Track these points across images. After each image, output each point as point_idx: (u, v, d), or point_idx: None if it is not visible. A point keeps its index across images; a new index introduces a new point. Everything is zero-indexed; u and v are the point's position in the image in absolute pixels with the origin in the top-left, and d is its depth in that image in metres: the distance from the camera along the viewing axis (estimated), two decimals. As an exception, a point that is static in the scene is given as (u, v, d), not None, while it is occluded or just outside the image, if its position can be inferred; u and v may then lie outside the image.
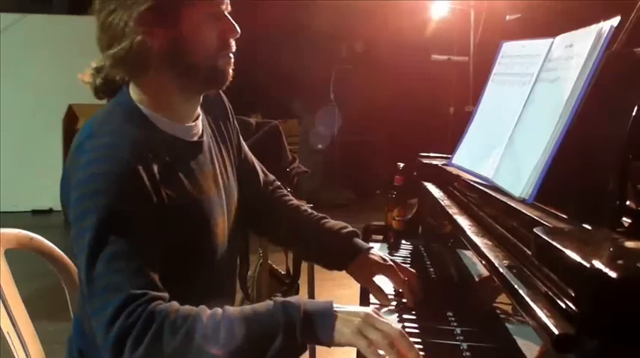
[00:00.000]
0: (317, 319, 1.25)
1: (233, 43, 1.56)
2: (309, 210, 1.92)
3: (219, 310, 1.26)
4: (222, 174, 1.69)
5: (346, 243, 1.82)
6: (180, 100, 1.56)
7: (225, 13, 1.54)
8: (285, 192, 1.99)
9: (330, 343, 1.25)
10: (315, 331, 1.25)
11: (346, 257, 1.81)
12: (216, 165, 1.67)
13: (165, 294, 1.29)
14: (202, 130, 1.64)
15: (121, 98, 1.54)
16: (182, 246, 1.45)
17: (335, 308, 1.27)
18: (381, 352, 1.22)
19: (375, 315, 1.27)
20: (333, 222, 1.88)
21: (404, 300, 1.72)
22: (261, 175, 1.95)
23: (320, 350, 2.96)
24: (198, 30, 1.49)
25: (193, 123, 1.61)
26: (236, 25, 1.54)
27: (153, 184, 1.41)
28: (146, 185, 1.39)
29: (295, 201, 1.96)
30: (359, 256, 1.79)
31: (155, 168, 1.43)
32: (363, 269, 1.78)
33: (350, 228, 1.86)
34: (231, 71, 1.57)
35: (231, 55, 1.56)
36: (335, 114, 8.64)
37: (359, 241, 1.84)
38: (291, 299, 1.28)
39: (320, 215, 1.90)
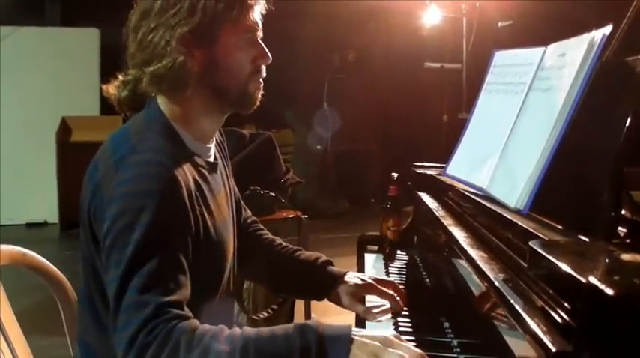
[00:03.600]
0: (333, 343, 1.23)
1: (264, 68, 1.60)
2: (283, 244, 1.94)
3: (237, 330, 1.26)
4: (229, 195, 1.73)
5: (323, 272, 1.84)
6: (207, 119, 1.60)
7: (259, 39, 1.59)
8: (260, 226, 2.01)
9: None
10: (328, 355, 1.22)
11: (326, 286, 1.82)
12: (226, 187, 1.72)
13: (189, 314, 1.29)
14: (214, 151, 1.68)
15: (152, 113, 1.55)
16: (200, 266, 1.45)
17: (353, 333, 1.25)
18: None
19: (394, 339, 1.26)
20: (307, 253, 1.90)
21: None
22: (243, 210, 1.98)
23: None
24: (233, 54, 1.54)
25: (212, 144, 1.65)
26: (268, 51, 1.59)
27: (190, 204, 1.43)
28: (186, 204, 1.41)
29: (270, 236, 1.98)
30: (337, 283, 1.81)
31: (191, 188, 1.46)
32: (344, 295, 1.79)
33: (324, 258, 1.88)
34: (259, 95, 1.62)
35: (261, 81, 1.61)
36: (329, 117, 8.64)
37: (334, 269, 1.86)
38: (310, 322, 1.26)
39: (293, 248, 1.93)
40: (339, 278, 1.81)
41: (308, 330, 1.23)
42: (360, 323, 1.73)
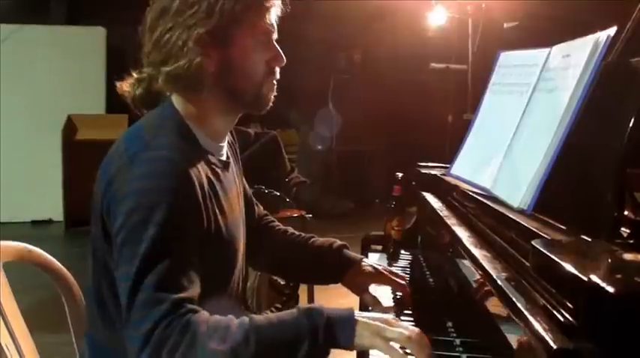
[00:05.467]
0: (339, 324, 1.29)
1: (278, 70, 1.62)
2: (297, 232, 1.98)
3: (246, 319, 1.29)
4: (240, 195, 1.75)
5: (338, 256, 1.89)
6: (221, 118, 1.61)
7: (274, 41, 1.60)
8: (272, 218, 2.05)
9: (350, 347, 1.29)
10: (336, 336, 1.28)
11: (340, 269, 1.87)
12: (237, 185, 1.73)
13: (200, 309, 1.32)
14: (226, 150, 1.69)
15: (167, 111, 1.57)
16: (211, 264, 1.47)
17: (356, 315, 1.31)
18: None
19: (393, 320, 1.33)
20: (322, 240, 1.94)
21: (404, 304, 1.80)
22: (256, 207, 2.00)
23: None
24: (248, 55, 1.56)
25: (224, 143, 1.66)
26: (282, 53, 1.60)
27: (203, 201, 1.45)
28: (199, 202, 1.43)
29: (282, 226, 2.02)
30: (353, 267, 1.86)
31: (204, 185, 1.47)
32: (357, 279, 1.86)
33: (340, 242, 1.93)
34: (272, 97, 1.63)
35: (275, 82, 1.62)
36: (334, 117, 8.64)
37: (350, 253, 1.91)
38: (315, 306, 1.32)
39: (308, 235, 1.96)
40: (354, 263, 1.87)
41: (315, 314, 1.29)
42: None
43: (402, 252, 2.31)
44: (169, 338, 1.23)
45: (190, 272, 1.34)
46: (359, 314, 1.31)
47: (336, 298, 1.92)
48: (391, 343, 1.28)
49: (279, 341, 1.26)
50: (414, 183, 2.38)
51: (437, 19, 6.28)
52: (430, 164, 2.43)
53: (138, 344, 1.25)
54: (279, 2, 1.60)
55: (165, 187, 1.37)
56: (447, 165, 2.13)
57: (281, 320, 1.29)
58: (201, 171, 1.47)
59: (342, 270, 1.87)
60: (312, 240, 1.94)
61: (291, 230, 2.00)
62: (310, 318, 1.28)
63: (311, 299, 3.89)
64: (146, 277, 1.29)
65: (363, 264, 1.86)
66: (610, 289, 0.77)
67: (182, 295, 1.29)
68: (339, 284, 1.91)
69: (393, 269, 1.94)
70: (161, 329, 1.24)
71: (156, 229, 1.32)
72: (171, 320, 1.25)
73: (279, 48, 1.60)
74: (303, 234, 1.97)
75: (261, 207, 2.05)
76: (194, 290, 1.33)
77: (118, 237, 1.36)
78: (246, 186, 1.92)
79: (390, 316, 1.35)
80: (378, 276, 1.84)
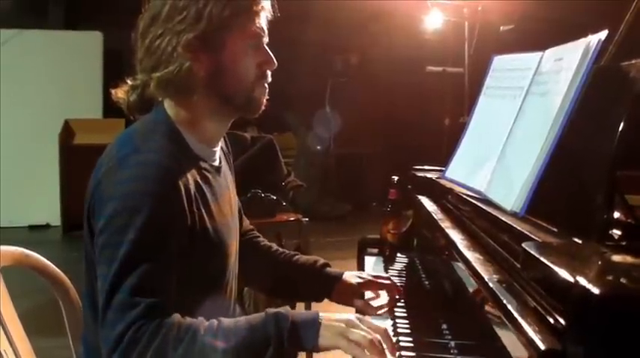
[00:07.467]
0: (303, 327, 1.33)
1: (269, 73, 1.63)
2: (280, 249, 1.99)
3: (215, 322, 1.32)
4: (234, 200, 1.77)
5: (322, 274, 1.90)
6: (213, 123, 1.62)
7: (265, 44, 1.61)
8: (257, 233, 2.05)
9: (314, 348, 1.34)
10: (301, 338, 1.33)
11: (326, 287, 1.89)
12: (230, 191, 1.74)
13: (172, 310, 1.34)
14: (219, 156, 1.70)
15: (159, 116, 1.58)
16: (199, 267, 1.49)
17: (320, 318, 1.35)
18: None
19: (357, 321, 1.36)
20: (305, 257, 1.96)
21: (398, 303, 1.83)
22: (243, 221, 2.01)
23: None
24: (239, 59, 1.56)
25: (217, 148, 1.67)
26: (274, 57, 1.61)
27: (189, 206, 1.46)
28: (185, 207, 1.44)
29: (267, 242, 2.03)
30: (338, 283, 1.88)
31: (191, 189, 1.48)
32: (344, 293, 1.87)
33: (322, 260, 1.95)
34: (265, 100, 1.63)
35: (266, 86, 1.63)
36: (331, 120, 8.65)
37: (332, 270, 1.93)
38: (282, 310, 1.36)
39: (291, 252, 1.98)
40: (338, 279, 1.88)
41: (281, 318, 1.33)
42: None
43: (398, 255, 2.32)
44: (139, 341, 1.26)
45: (167, 278, 1.36)
46: (324, 316, 1.35)
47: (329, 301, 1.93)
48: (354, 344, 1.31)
49: (246, 345, 1.30)
50: (409, 186, 2.39)
51: (433, 22, 6.30)
52: (426, 167, 2.43)
53: (109, 345, 1.28)
54: (269, 6, 1.61)
55: (148, 191, 1.38)
56: (443, 168, 2.14)
57: (248, 324, 1.33)
58: (188, 175, 1.49)
59: (327, 289, 1.89)
60: (296, 257, 1.95)
61: (275, 246, 2.00)
62: (277, 324, 1.32)
63: (307, 303, 3.89)
64: (124, 280, 1.31)
65: (346, 277, 1.88)
66: (595, 290, 0.78)
67: (157, 299, 1.31)
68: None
69: (389, 272, 1.96)
70: (132, 332, 1.27)
71: (136, 233, 1.33)
72: (142, 323, 1.27)
73: (269, 51, 1.61)
74: (287, 251, 1.98)
75: (247, 221, 2.05)
76: (170, 295, 1.35)
77: (100, 237, 1.38)
78: (236, 197, 1.93)
79: (353, 316, 1.39)
80: (365, 284, 1.86)
